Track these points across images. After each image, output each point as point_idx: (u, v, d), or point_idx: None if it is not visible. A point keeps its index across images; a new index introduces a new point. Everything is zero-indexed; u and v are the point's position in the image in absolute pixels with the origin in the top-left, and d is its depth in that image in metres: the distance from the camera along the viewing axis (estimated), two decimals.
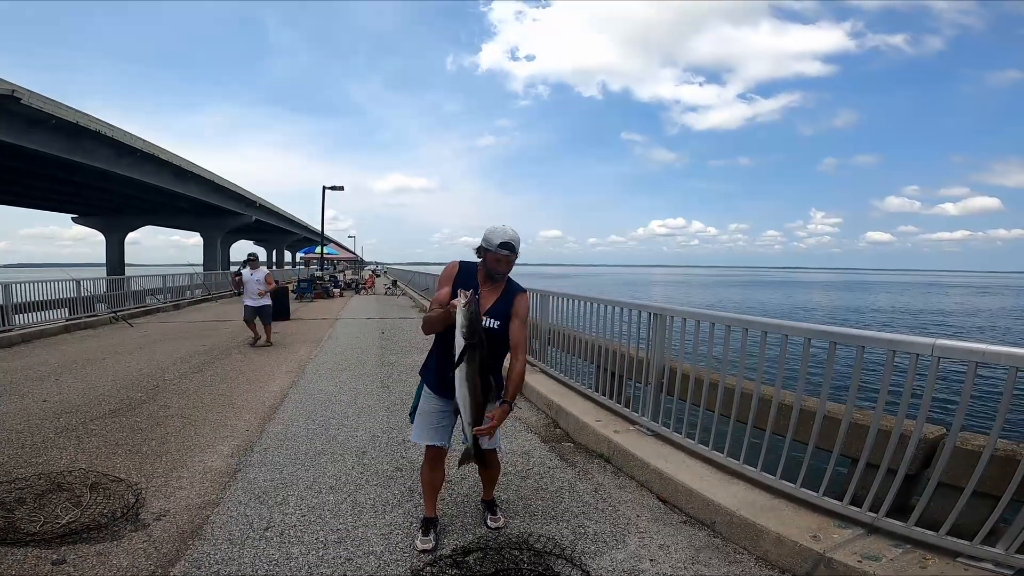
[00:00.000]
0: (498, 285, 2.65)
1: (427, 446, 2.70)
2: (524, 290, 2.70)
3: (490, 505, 2.99)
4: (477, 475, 3.55)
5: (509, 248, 2.52)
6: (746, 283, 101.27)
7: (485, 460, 2.75)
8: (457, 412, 2.65)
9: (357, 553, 2.59)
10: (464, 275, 2.67)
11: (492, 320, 2.58)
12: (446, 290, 2.61)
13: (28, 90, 16.90)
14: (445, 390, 2.58)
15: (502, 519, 2.91)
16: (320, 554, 2.57)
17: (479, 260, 2.62)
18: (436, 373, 2.65)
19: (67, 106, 19.10)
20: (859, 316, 32.12)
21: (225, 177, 34.27)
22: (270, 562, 2.48)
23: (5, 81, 16.14)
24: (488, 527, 2.85)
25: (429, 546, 2.64)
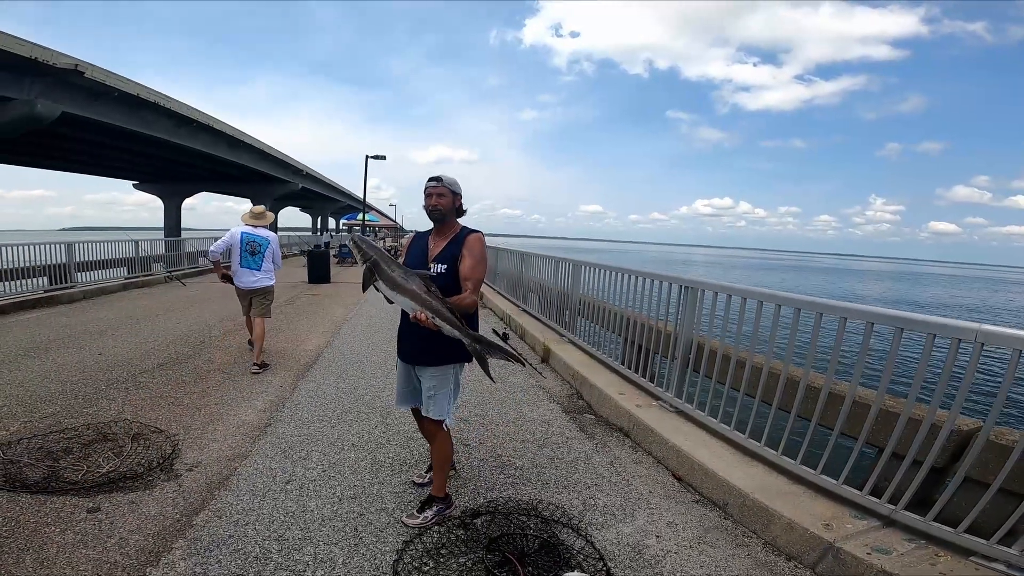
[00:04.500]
0: (447, 233, 2.58)
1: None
2: (476, 231, 2.58)
3: (427, 500, 2.63)
4: (495, 441, 3.62)
5: (436, 179, 2.53)
6: (792, 268, 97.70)
7: (428, 431, 2.70)
8: (415, 379, 2.63)
9: (370, 509, 2.68)
10: (416, 239, 2.72)
11: (438, 265, 2.51)
12: (402, 259, 2.69)
13: (91, 64, 17.74)
14: (404, 356, 2.64)
15: (419, 519, 2.54)
16: (335, 508, 2.67)
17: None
18: (398, 341, 2.67)
19: (128, 79, 19.95)
20: (903, 308, 30.46)
21: (274, 146, 35.25)
22: (286, 514, 2.60)
23: (69, 56, 16.97)
24: (404, 522, 2.55)
25: (419, 480, 2.94)
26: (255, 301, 5.44)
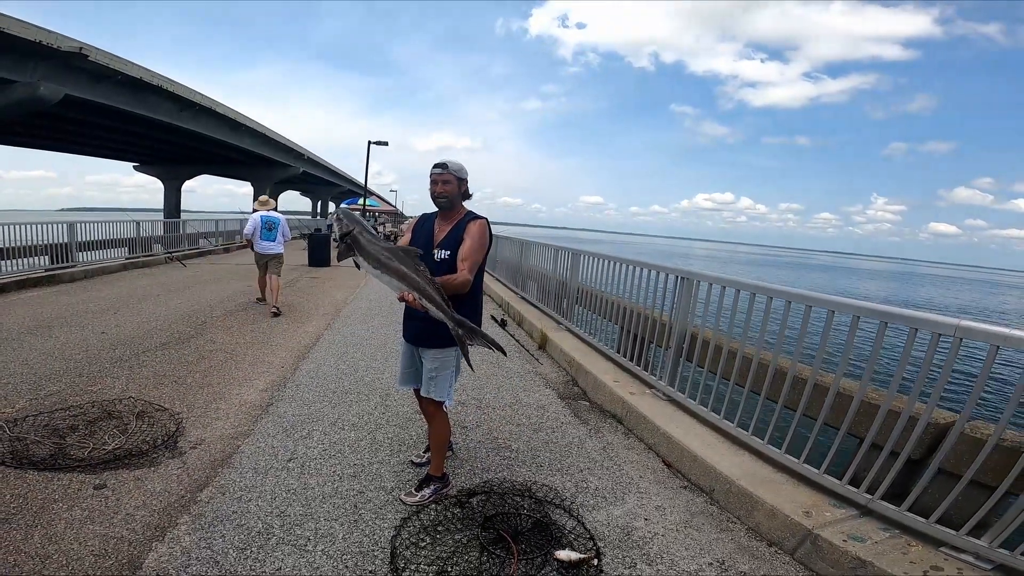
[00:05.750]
0: (452, 218, 2.60)
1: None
2: (481, 217, 2.58)
3: (424, 479, 2.73)
4: (492, 424, 3.71)
5: (441, 166, 2.53)
6: (790, 264, 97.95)
7: (427, 412, 2.75)
8: (418, 360, 2.68)
9: (369, 487, 2.77)
10: (421, 221, 2.73)
11: (442, 251, 2.53)
12: (404, 239, 2.74)
13: (95, 47, 17.75)
14: (408, 337, 2.69)
15: (417, 497, 2.63)
16: (335, 486, 2.76)
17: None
18: (403, 321, 2.72)
19: (131, 62, 19.93)
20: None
21: (276, 130, 35.17)
22: (288, 491, 2.68)
23: (74, 39, 16.98)
24: (402, 500, 2.64)
25: (417, 460, 3.03)
26: (271, 265, 7.49)
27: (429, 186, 2.57)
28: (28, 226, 9.22)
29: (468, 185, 2.63)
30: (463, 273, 2.43)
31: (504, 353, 2.63)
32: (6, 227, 8.78)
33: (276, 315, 7.00)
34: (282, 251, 7.61)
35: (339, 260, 2.43)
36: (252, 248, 7.56)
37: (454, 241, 2.53)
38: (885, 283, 59.78)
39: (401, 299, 2.30)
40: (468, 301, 2.54)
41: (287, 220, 8.06)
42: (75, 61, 17.36)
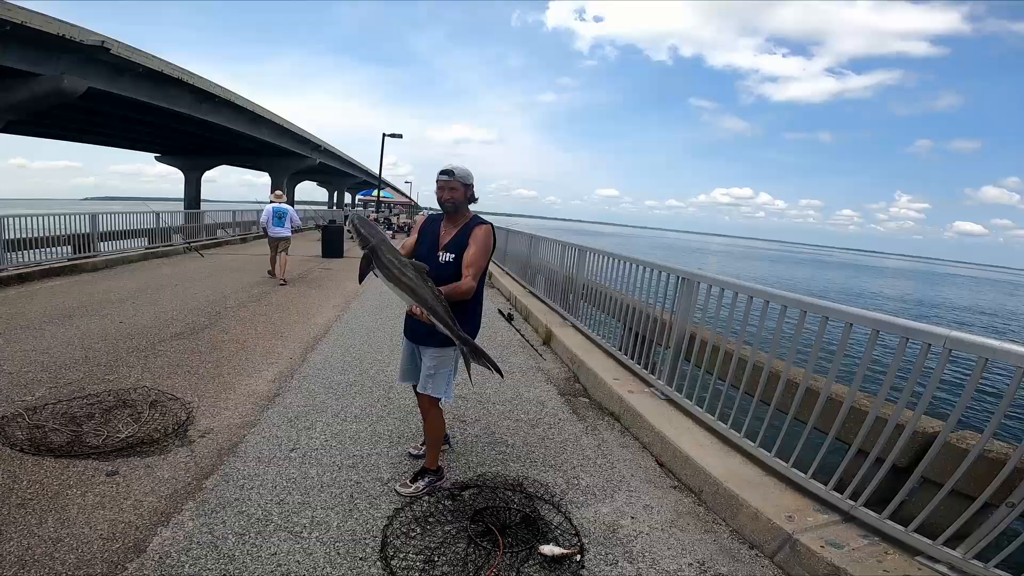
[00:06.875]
0: (458, 222, 2.66)
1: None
2: (486, 222, 2.65)
3: (419, 471, 2.81)
4: (490, 418, 3.78)
5: (447, 173, 2.58)
6: (807, 261, 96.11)
7: (423, 407, 2.78)
8: (418, 357, 2.75)
9: (367, 478, 2.86)
10: (428, 222, 2.79)
11: (447, 254, 2.60)
12: (411, 239, 2.81)
13: (117, 40, 18.18)
14: (409, 334, 2.76)
15: (411, 489, 2.72)
16: (334, 476, 2.85)
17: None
18: (405, 319, 2.77)
19: (152, 55, 20.37)
20: (908, 310, 28.84)
21: (293, 122, 35.57)
22: (288, 480, 2.79)
23: (96, 33, 17.41)
24: (397, 491, 2.73)
25: (415, 451, 3.13)
26: (280, 245, 9.37)
27: (436, 191, 2.64)
28: (52, 216, 9.53)
29: (474, 189, 2.69)
30: (467, 280, 2.51)
31: (501, 375, 2.68)
32: (33, 218, 9.08)
33: (283, 284, 8.95)
34: (290, 235, 9.53)
35: (360, 278, 2.54)
36: (266, 233, 9.45)
37: (459, 245, 2.60)
38: (904, 282, 58.36)
39: (410, 313, 2.40)
40: (471, 306, 2.63)
41: (297, 211, 9.90)
42: (98, 54, 17.81)
